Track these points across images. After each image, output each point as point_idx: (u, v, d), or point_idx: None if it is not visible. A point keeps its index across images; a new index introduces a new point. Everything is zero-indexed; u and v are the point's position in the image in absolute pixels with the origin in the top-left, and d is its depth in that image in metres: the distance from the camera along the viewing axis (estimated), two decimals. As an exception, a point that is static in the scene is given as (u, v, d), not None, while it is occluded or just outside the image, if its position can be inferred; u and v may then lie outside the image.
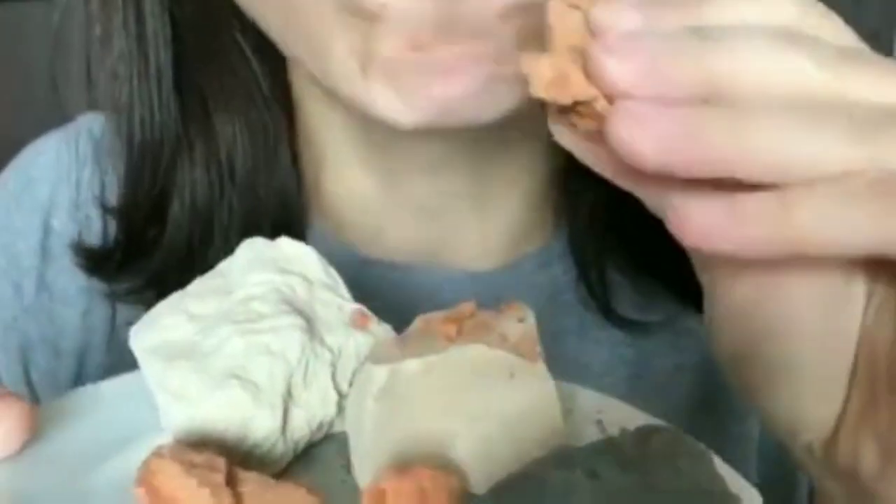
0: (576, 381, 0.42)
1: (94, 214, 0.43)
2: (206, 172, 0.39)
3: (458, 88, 0.29)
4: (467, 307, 0.28)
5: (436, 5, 0.28)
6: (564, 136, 0.25)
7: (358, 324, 0.29)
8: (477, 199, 0.41)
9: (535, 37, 0.28)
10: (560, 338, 0.42)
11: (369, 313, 0.30)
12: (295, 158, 0.41)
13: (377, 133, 0.38)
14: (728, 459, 0.43)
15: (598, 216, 0.40)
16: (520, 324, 0.27)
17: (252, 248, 0.30)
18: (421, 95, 0.29)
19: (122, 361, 0.43)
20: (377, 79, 0.29)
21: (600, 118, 0.23)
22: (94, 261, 0.41)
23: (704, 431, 0.42)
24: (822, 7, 0.24)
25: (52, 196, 0.44)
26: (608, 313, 0.42)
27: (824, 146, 0.22)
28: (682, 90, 0.22)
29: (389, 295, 0.41)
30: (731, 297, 0.27)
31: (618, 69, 0.22)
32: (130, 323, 0.42)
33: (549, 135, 0.40)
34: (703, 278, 0.27)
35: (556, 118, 0.25)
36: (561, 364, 0.42)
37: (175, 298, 0.29)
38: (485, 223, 0.41)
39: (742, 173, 0.22)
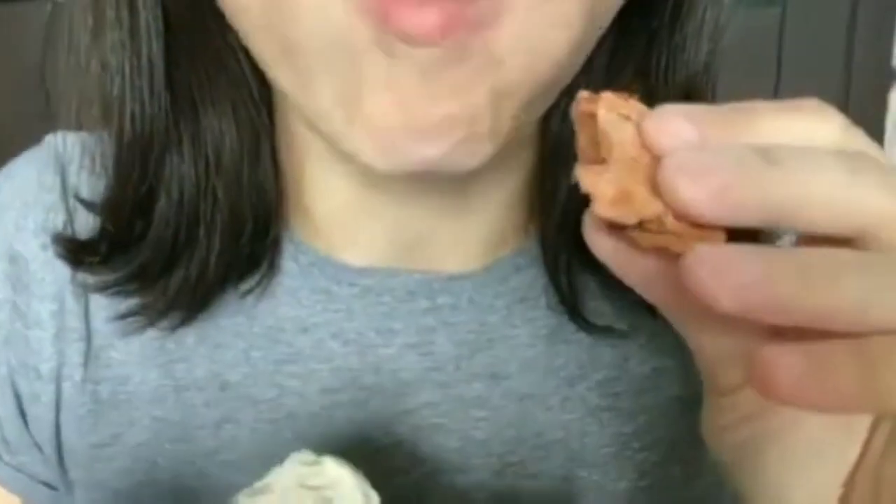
0: (546, 386, 0.42)
1: (67, 230, 0.43)
2: (194, 167, 0.39)
3: (436, 151, 0.30)
4: None
5: (415, 66, 0.29)
6: (606, 250, 0.25)
7: None
8: (455, 204, 0.41)
9: (505, 95, 0.29)
10: (535, 341, 0.42)
11: None
12: (276, 159, 0.41)
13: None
14: (710, 462, 0.43)
15: (569, 220, 0.40)
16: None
17: (298, 466, 0.32)
18: (400, 154, 0.30)
19: (98, 389, 0.43)
20: (360, 131, 0.30)
21: (670, 233, 0.23)
22: (78, 253, 0.41)
23: (684, 434, 0.43)
24: (861, 131, 0.25)
25: (18, 221, 0.44)
26: (577, 318, 0.42)
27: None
28: (753, 216, 0.23)
29: (366, 299, 0.41)
30: (735, 394, 0.27)
31: (690, 191, 0.22)
32: (108, 344, 0.42)
33: (529, 135, 0.40)
34: (703, 366, 0.28)
35: (605, 230, 0.25)
36: (533, 367, 0.42)
37: None
38: (462, 227, 0.41)
39: (821, 325, 0.22)
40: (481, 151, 0.31)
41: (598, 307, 0.42)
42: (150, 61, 0.38)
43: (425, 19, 0.28)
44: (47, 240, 0.43)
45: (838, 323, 0.22)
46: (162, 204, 0.39)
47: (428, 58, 0.29)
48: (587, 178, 0.24)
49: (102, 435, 0.43)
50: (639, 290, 0.26)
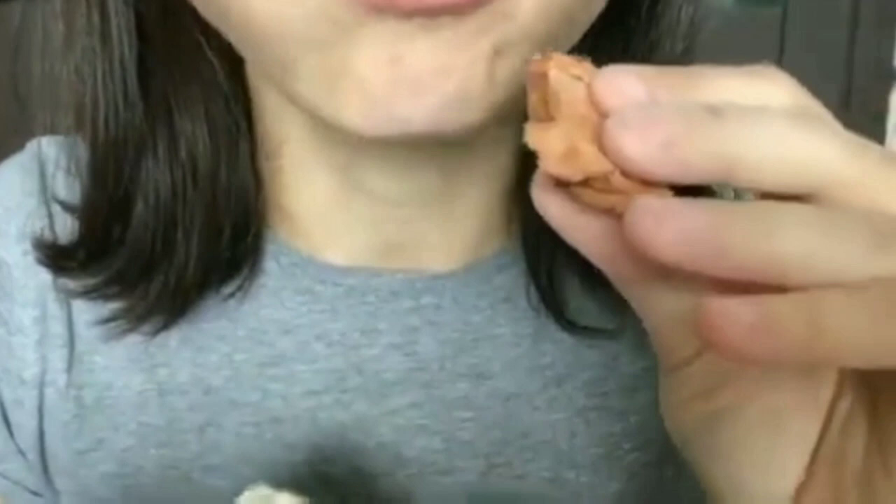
0: (532, 386, 0.42)
1: (48, 235, 0.42)
2: (169, 171, 0.39)
3: (425, 108, 0.28)
4: None
5: (419, 24, 0.28)
6: (552, 209, 0.25)
7: None
8: (441, 200, 0.40)
9: (508, 48, 0.28)
10: (519, 340, 0.42)
11: None
12: (254, 159, 0.40)
13: (340, 139, 0.38)
14: None
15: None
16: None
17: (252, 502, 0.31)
18: (392, 113, 0.29)
19: (82, 394, 0.43)
20: (348, 96, 0.29)
21: (616, 192, 0.23)
22: (57, 258, 0.41)
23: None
24: (812, 98, 0.24)
25: (0, 227, 0.43)
26: (559, 318, 0.41)
27: (852, 249, 0.22)
28: (698, 171, 0.22)
29: (350, 300, 0.41)
30: (694, 365, 0.27)
31: (634, 146, 0.22)
32: (91, 350, 0.42)
33: (513, 132, 0.40)
34: (657, 341, 0.27)
35: (553, 188, 0.24)
36: (518, 367, 0.42)
37: None
38: (447, 225, 0.41)
39: (766, 276, 0.22)
40: (472, 112, 0.29)
41: (583, 306, 0.42)
42: (122, 66, 0.38)
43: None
44: (29, 245, 0.42)
45: (783, 274, 0.22)
46: (139, 208, 0.39)
47: (426, 21, 0.28)
48: (535, 134, 0.23)
49: (87, 440, 0.42)
50: (586, 251, 0.25)
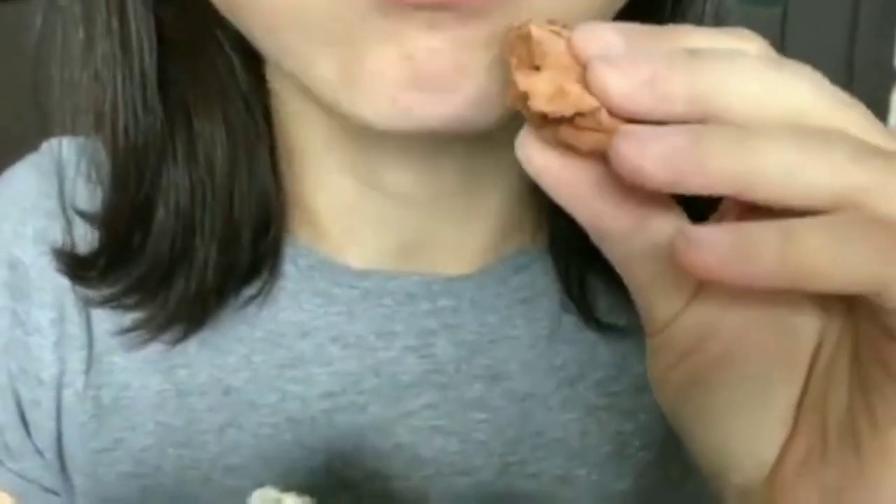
0: (546, 386, 0.42)
1: (66, 238, 0.42)
2: (188, 175, 0.39)
3: (444, 105, 0.29)
4: None
5: (429, 23, 0.28)
6: (537, 159, 0.25)
7: None
8: (459, 200, 0.40)
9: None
10: (536, 341, 0.42)
11: None
12: (273, 162, 0.40)
13: (360, 139, 0.38)
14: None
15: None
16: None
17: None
18: (411, 110, 0.29)
19: (101, 395, 0.43)
20: (365, 92, 0.29)
21: (604, 130, 0.23)
22: (78, 268, 0.41)
23: None
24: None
25: (17, 229, 0.44)
26: (587, 316, 0.42)
27: (829, 164, 0.22)
28: (680, 105, 0.23)
29: (367, 302, 0.41)
30: (678, 321, 0.27)
31: (619, 82, 0.23)
32: (109, 350, 0.42)
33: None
34: (641, 302, 0.27)
35: (541, 136, 0.25)
36: (533, 368, 0.42)
37: None
38: (464, 226, 0.41)
39: (746, 191, 0.22)
40: (492, 112, 0.29)
41: (606, 306, 0.42)
42: (142, 72, 0.38)
43: None
44: (46, 247, 0.42)
45: (764, 188, 0.22)
46: (160, 215, 0.39)
47: (432, 16, 0.28)
48: (524, 79, 0.24)
49: (105, 440, 0.43)
50: (569, 204, 0.25)
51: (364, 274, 0.41)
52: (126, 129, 0.38)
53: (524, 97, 0.24)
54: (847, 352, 0.26)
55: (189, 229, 0.39)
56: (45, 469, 0.44)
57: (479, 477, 0.42)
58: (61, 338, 0.43)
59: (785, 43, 1.65)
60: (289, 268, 0.42)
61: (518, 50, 0.25)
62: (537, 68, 0.24)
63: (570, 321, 0.42)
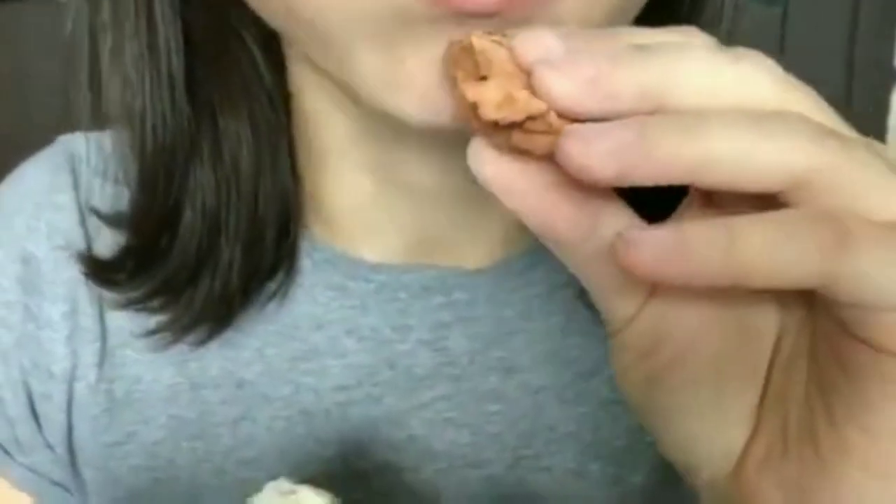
0: (561, 379, 0.42)
1: (79, 235, 0.43)
2: (214, 175, 0.39)
3: None
4: None
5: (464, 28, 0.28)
6: (489, 168, 0.25)
7: None
8: (471, 200, 0.41)
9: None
10: (551, 334, 0.42)
11: None
12: (293, 160, 0.41)
13: (383, 137, 0.38)
14: None
15: None
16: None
17: (275, 497, 0.31)
18: (441, 102, 0.29)
19: (113, 388, 0.43)
20: (405, 89, 0.29)
21: (555, 132, 0.23)
22: (103, 272, 0.41)
23: None
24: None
25: (30, 223, 0.44)
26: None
27: (780, 145, 0.22)
28: (627, 101, 0.23)
29: (381, 295, 0.41)
30: (635, 322, 0.27)
31: (563, 84, 0.23)
32: (122, 344, 0.43)
33: None
34: (599, 304, 0.28)
35: (493, 144, 0.25)
36: (548, 361, 0.42)
37: None
38: (478, 223, 0.41)
39: (698, 176, 0.22)
40: None
41: None
42: (170, 73, 0.38)
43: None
44: (60, 240, 0.43)
45: (715, 174, 0.22)
46: (187, 215, 0.39)
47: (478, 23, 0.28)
48: (471, 90, 0.24)
49: (117, 434, 0.43)
50: (522, 212, 0.25)
51: (379, 267, 0.42)
52: (154, 130, 0.39)
53: (473, 107, 0.24)
54: (805, 350, 0.26)
55: (215, 230, 0.39)
56: (55, 463, 0.45)
57: (490, 470, 0.42)
58: (74, 331, 0.43)
59: (785, 43, 1.65)
60: (304, 262, 0.42)
61: (462, 63, 0.25)
62: (483, 78, 0.24)
63: (585, 315, 0.42)
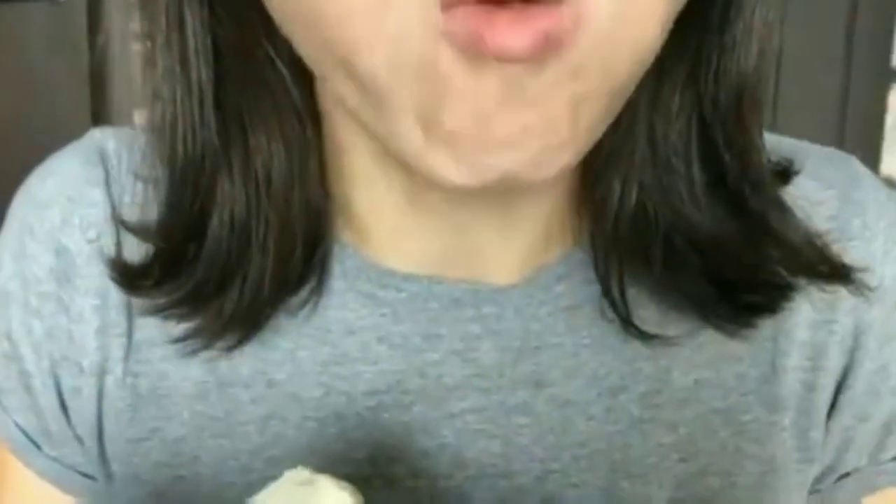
0: (589, 395, 0.42)
1: (110, 231, 0.43)
2: (244, 187, 0.40)
3: (514, 162, 0.30)
4: None
5: (498, 79, 0.29)
6: None
7: None
8: (503, 215, 0.41)
9: (584, 101, 0.30)
10: (578, 350, 0.42)
11: None
12: (323, 172, 0.41)
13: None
14: (745, 483, 0.43)
15: (622, 229, 0.40)
16: None
17: (292, 488, 0.31)
18: (480, 166, 0.30)
19: (138, 383, 0.43)
20: (439, 147, 0.30)
21: None
22: (131, 277, 0.41)
23: (722, 446, 0.43)
24: None
25: (64, 216, 0.44)
26: (627, 326, 0.42)
27: None
28: None
29: (412, 305, 0.42)
30: None
31: None
32: (149, 339, 0.43)
33: None
34: None
35: None
36: (576, 376, 0.42)
37: None
38: (508, 237, 0.42)
39: None
40: (560, 161, 0.31)
41: (648, 316, 0.42)
42: (199, 87, 0.39)
43: (519, 39, 0.28)
44: (93, 234, 0.43)
45: None
46: (214, 226, 0.40)
47: (512, 70, 0.29)
48: None
49: (140, 429, 0.43)
50: None
51: (409, 278, 0.42)
52: (184, 142, 0.39)
53: None
54: None
55: (244, 240, 0.40)
56: (84, 456, 0.45)
57: (519, 481, 0.42)
58: (104, 324, 0.43)
59: (784, 43, 1.65)
60: (336, 269, 0.42)
61: None
62: None
63: (613, 331, 0.42)
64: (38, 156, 0.47)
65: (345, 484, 0.32)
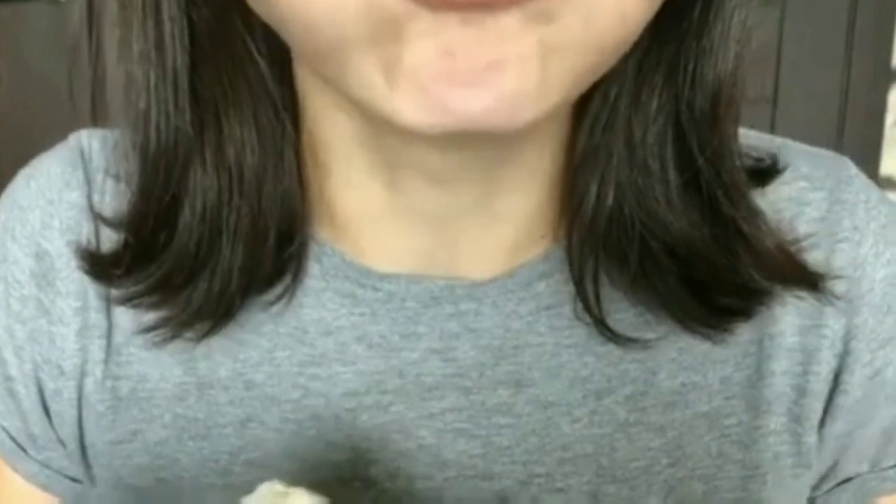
0: (572, 396, 0.42)
1: (90, 231, 0.43)
2: (216, 177, 0.39)
3: (480, 102, 0.29)
4: None
5: (460, 16, 0.28)
6: None
7: None
8: (482, 208, 0.41)
9: (555, 50, 0.29)
10: (560, 350, 0.42)
11: None
12: (300, 163, 0.41)
13: (387, 141, 0.38)
14: (728, 487, 0.43)
15: (596, 228, 0.40)
16: None
17: (268, 498, 0.31)
18: (447, 105, 0.29)
19: (118, 385, 0.43)
20: (404, 89, 0.29)
21: None
22: (101, 267, 0.41)
23: (707, 451, 0.43)
24: None
25: (44, 219, 0.44)
26: (603, 330, 0.41)
27: None
28: None
29: (391, 304, 0.41)
30: None
31: None
32: (128, 341, 0.43)
33: (557, 136, 0.40)
34: None
35: None
36: (558, 377, 0.42)
37: None
38: (488, 232, 0.41)
39: None
40: (528, 109, 0.29)
41: (625, 319, 0.42)
42: (175, 73, 0.39)
43: None
44: (72, 237, 0.43)
45: None
46: (185, 215, 0.39)
47: (476, 13, 0.28)
48: None
49: (120, 432, 0.43)
50: None
51: (387, 276, 0.42)
52: (157, 129, 0.39)
53: None
54: None
55: (216, 230, 0.39)
56: (68, 459, 0.45)
57: (502, 483, 0.42)
58: (84, 326, 0.43)
59: (783, 44, 1.65)
60: (313, 266, 0.42)
61: None
62: None
63: (595, 332, 0.42)
64: (37, 156, 0.47)
65: (317, 496, 0.33)
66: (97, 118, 0.41)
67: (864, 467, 0.46)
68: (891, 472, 0.46)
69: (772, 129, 0.45)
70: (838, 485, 0.46)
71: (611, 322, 0.41)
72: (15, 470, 0.46)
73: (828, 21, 1.71)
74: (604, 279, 0.41)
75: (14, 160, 0.48)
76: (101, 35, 0.39)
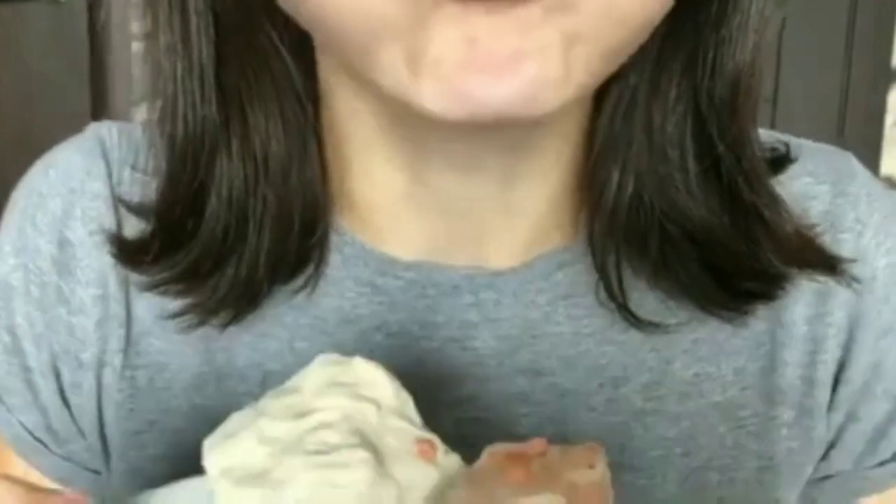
0: (589, 385, 0.42)
1: (112, 222, 0.43)
2: (243, 166, 0.40)
3: (504, 91, 0.29)
4: (537, 445, 0.28)
5: (485, 7, 0.29)
6: None
7: (425, 455, 0.31)
8: (503, 197, 0.41)
9: (577, 38, 0.30)
10: (578, 339, 0.42)
11: (437, 443, 0.32)
12: (322, 154, 0.41)
13: (410, 130, 0.38)
14: (743, 478, 0.43)
15: (618, 217, 0.41)
16: (590, 470, 0.27)
17: (327, 366, 0.32)
18: (470, 93, 0.29)
19: (136, 375, 0.43)
20: (427, 77, 0.30)
21: None
22: (131, 253, 0.42)
23: (721, 441, 0.43)
24: None
25: (66, 208, 0.44)
26: (625, 314, 0.42)
27: None
28: None
29: (410, 293, 0.42)
30: None
31: None
32: (147, 331, 0.43)
33: (577, 125, 0.40)
34: None
35: None
36: (575, 365, 0.42)
37: (249, 415, 0.32)
38: (508, 221, 0.42)
39: None
40: (550, 97, 0.30)
41: (647, 305, 0.42)
42: (200, 64, 0.39)
43: None
44: (94, 227, 0.43)
45: None
46: (212, 203, 0.40)
47: (498, 3, 0.28)
48: None
49: (138, 422, 0.43)
50: None
51: (408, 265, 0.42)
52: (185, 119, 0.39)
53: None
54: None
55: (242, 217, 0.40)
56: (89, 451, 0.45)
57: None
58: (104, 316, 0.43)
59: (784, 43, 1.65)
60: (334, 255, 0.42)
61: None
62: None
63: (614, 321, 0.42)
64: (38, 156, 0.47)
65: (375, 363, 0.33)
66: (97, 118, 0.40)
67: (848, 465, 0.46)
68: (873, 471, 0.46)
69: (772, 129, 0.45)
70: (819, 480, 0.46)
71: (633, 307, 0.42)
72: (35, 466, 0.46)
73: (828, 21, 1.71)
74: (625, 266, 0.42)
75: (14, 160, 0.48)
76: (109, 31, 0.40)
